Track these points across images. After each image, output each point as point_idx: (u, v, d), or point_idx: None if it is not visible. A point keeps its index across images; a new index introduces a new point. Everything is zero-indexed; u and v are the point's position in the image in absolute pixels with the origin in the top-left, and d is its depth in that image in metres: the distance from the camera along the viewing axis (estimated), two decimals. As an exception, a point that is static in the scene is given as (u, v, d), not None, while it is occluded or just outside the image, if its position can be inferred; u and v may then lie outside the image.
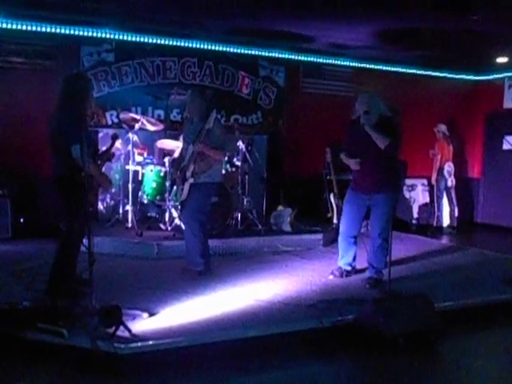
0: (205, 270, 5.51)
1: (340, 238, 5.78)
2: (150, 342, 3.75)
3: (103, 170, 4.98)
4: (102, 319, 3.80)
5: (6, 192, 7.08)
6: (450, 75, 10.23)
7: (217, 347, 3.89)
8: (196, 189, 5.43)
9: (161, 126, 7.39)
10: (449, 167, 9.34)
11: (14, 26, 7.21)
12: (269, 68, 8.98)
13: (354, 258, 5.82)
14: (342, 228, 5.75)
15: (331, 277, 5.73)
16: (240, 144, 7.43)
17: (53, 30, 7.40)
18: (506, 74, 9.92)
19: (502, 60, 8.87)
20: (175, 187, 6.63)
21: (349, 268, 5.79)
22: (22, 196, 7.29)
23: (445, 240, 8.76)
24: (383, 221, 5.43)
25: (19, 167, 7.34)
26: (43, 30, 7.36)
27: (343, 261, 5.78)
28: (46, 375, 3.54)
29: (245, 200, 7.48)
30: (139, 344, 3.71)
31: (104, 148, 5.23)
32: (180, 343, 3.82)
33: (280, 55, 8.93)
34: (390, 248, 5.02)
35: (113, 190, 7.97)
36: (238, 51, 8.62)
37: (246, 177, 7.56)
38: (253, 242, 7.02)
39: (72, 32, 7.53)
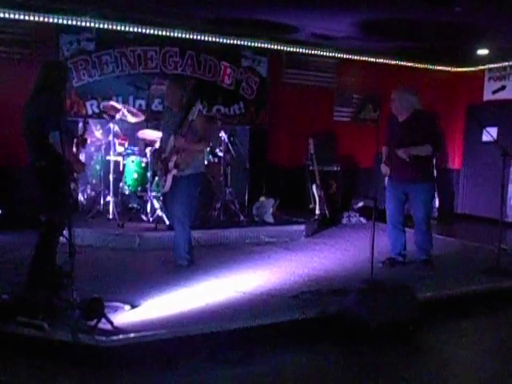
0: (187, 265, 5.48)
1: (389, 227, 5.93)
2: (132, 335, 3.72)
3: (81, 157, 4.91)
4: (83, 312, 3.76)
5: (-17, 183, 6.97)
6: (431, 67, 10.27)
7: (199, 339, 3.87)
8: (182, 182, 5.36)
9: (142, 117, 7.30)
10: (430, 158, 9.40)
11: (-9, 14, 7.06)
12: (251, 58, 8.92)
13: (405, 247, 5.95)
14: (388, 216, 5.93)
15: (380, 265, 5.74)
16: (222, 135, 7.39)
17: (31, 17, 7.25)
18: (486, 67, 10.00)
19: (482, 52, 8.92)
20: (157, 178, 6.57)
21: (400, 258, 5.90)
22: (0, 186, 7.16)
23: (426, 230, 8.83)
24: (423, 208, 5.74)
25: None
26: (21, 17, 7.20)
27: (395, 251, 5.93)
28: (27, 369, 3.48)
29: (227, 191, 7.45)
30: (121, 337, 3.68)
31: (80, 134, 5.13)
32: (162, 335, 3.80)
33: (263, 45, 8.87)
34: (373, 239, 5.04)
35: (93, 181, 7.89)
36: (220, 41, 8.55)
37: (229, 167, 7.52)
38: (235, 233, 7.00)
39: (51, 20, 7.38)
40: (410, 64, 10.00)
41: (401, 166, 5.66)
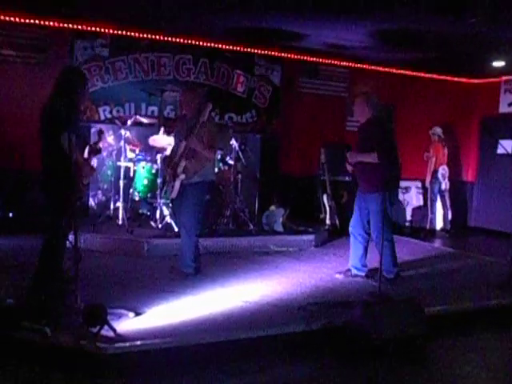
0: (194, 273, 5.44)
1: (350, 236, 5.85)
2: (134, 343, 3.69)
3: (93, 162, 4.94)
4: (86, 318, 3.74)
5: (-6, 186, 7.01)
6: (446, 78, 10.20)
7: (202, 349, 3.83)
8: (190, 190, 5.34)
9: (154, 120, 7.31)
10: (443, 170, 9.31)
11: (7, 18, 7.13)
12: (265, 67, 8.92)
13: (362, 259, 5.75)
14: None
15: (337, 276, 5.76)
16: (233, 142, 7.36)
17: (46, 22, 7.33)
18: (502, 78, 9.90)
19: (498, 64, 8.83)
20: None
21: (355, 271, 5.75)
22: (10, 191, 7.20)
23: (437, 243, 8.73)
24: (376, 221, 5.44)
25: (9, 161, 7.25)
26: (37, 22, 7.28)
27: (351, 261, 5.83)
28: (28, 374, 3.46)
29: (237, 199, 7.42)
30: (123, 344, 3.65)
31: (93, 143, 5.16)
32: (164, 344, 3.76)
33: (276, 54, 8.87)
34: (381, 250, 4.98)
35: (105, 186, 7.92)
36: (234, 49, 8.56)
37: (239, 176, 7.49)
38: (244, 241, 6.96)
39: (66, 25, 7.46)
40: (424, 75, 9.93)
41: (357, 175, 5.69)
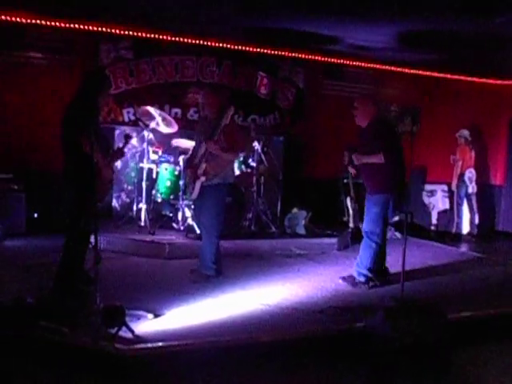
0: (215, 275, 5.41)
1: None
2: (152, 344, 3.68)
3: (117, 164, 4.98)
4: (104, 319, 3.74)
5: (21, 187, 7.07)
6: (473, 79, 10.00)
7: (220, 351, 3.80)
8: (210, 191, 5.32)
9: (175, 128, 7.22)
10: (470, 173, 9.12)
11: (33, 21, 7.23)
12: (288, 68, 8.87)
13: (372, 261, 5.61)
14: None
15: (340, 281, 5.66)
16: (256, 145, 7.33)
17: (72, 25, 7.41)
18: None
19: (527, 64, 8.64)
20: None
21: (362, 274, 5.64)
22: (36, 191, 7.28)
23: (464, 248, 8.54)
24: (368, 219, 5.54)
25: (35, 162, 7.35)
26: (62, 25, 7.36)
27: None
28: (45, 374, 3.48)
29: (259, 201, 7.38)
30: (141, 346, 3.64)
31: (118, 146, 5.20)
32: (182, 346, 3.75)
33: (300, 56, 8.81)
34: (404, 254, 4.88)
35: (128, 188, 7.97)
36: (258, 50, 8.53)
37: (261, 178, 7.46)
38: (266, 244, 6.93)
39: (91, 28, 7.53)
40: (451, 76, 9.76)
41: (362, 175, 5.74)
